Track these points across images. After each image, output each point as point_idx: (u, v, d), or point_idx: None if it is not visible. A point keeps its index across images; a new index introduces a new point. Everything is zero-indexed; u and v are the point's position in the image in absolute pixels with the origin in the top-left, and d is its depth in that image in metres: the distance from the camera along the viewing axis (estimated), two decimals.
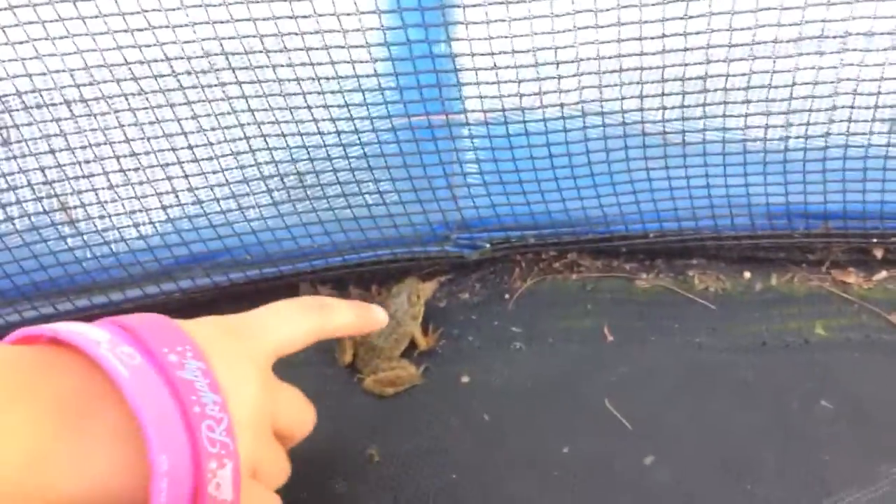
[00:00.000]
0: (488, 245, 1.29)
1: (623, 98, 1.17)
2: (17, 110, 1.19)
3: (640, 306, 1.27)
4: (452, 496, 1.11)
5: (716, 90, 1.22)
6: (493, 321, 1.29)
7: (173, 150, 1.24)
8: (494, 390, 1.21)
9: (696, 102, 1.23)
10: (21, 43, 1.10)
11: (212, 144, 1.23)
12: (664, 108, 1.18)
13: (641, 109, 1.18)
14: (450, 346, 1.27)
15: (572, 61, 1.15)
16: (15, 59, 1.12)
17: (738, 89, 1.21)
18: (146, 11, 1.10)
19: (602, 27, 1.12)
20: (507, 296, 1.32)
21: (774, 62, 1.17)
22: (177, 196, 1.27)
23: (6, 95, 1.18)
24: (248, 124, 1.24)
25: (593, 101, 1.21)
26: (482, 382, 1.22)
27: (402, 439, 1.17)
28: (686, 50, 1.14)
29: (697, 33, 1.16)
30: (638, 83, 1.18)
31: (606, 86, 1.17)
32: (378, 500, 1.12)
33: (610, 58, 1.17)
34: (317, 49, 1.19)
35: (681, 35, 1.13)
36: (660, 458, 1.10)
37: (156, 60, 1.18)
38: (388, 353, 1.24)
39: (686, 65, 1.16)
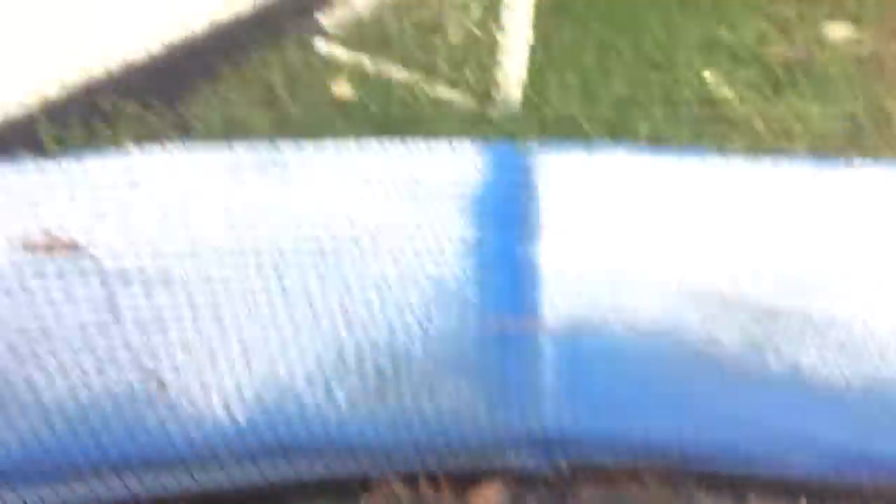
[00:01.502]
0: (564, 464, 1.32)
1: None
2: (124, 283, 1.26)
3: None
4: None
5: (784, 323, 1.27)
6: None
7: (264, 337, 1.31)
8: None
9: (766, 332, 1.28)
10: None
11: (292, 335, 1.29)
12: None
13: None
14: None
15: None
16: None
17: None
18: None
19: None
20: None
21: None
22: (274, 374, 1.33)
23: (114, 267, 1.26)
24: (336, 313, 1.31)
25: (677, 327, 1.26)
26: None
27: None
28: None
29: None
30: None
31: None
32: None
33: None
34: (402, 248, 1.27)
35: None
36: None
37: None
38: None
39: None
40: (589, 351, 1.27)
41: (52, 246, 1.28)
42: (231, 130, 1.48)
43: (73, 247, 1.29)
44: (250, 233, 1.27)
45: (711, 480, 1.35)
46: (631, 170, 1.11)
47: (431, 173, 1.14)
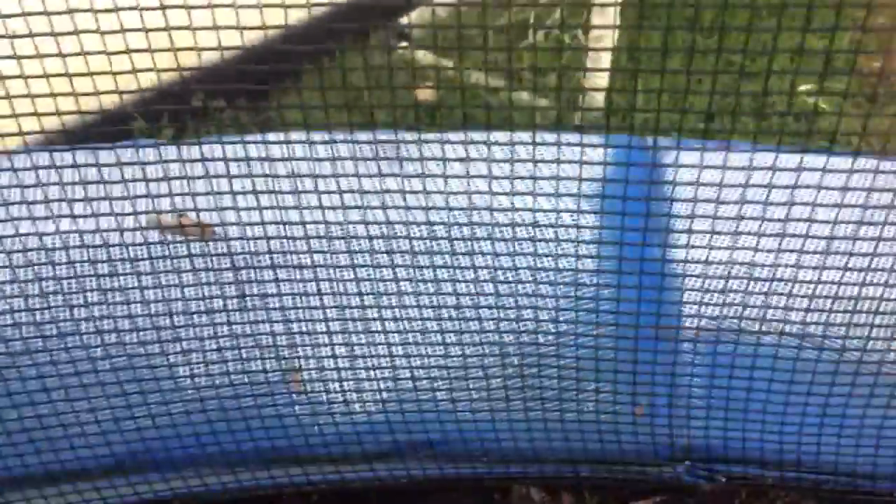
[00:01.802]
0: (724, 480, 1.27)
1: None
2: (258, 269, 1.22)
3: None
4: None
5: None
6: None
7: (407, 332, 1.27)
8: None
9: None
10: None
11: (426, 334, 1.25)
12: None
13: None
14: None
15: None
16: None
17: None
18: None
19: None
20: None
21: None
22: (410, 373, 1.29)
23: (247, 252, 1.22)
24: (474, 319, 1.27)
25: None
26: None
27: None
28: None
29: None
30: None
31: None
32: None
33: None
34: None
35: None
36: None
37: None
38: None
39: None
40: (736, 359, 1.21)
41: (182, 228, 1.24)
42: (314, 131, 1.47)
43: (202, 229, 1.25)
44: (381, 220, 1.21)
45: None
46: (761, 166, 1.02)
47: (563, 166, 1.06)
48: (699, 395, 1.27)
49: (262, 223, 1.15)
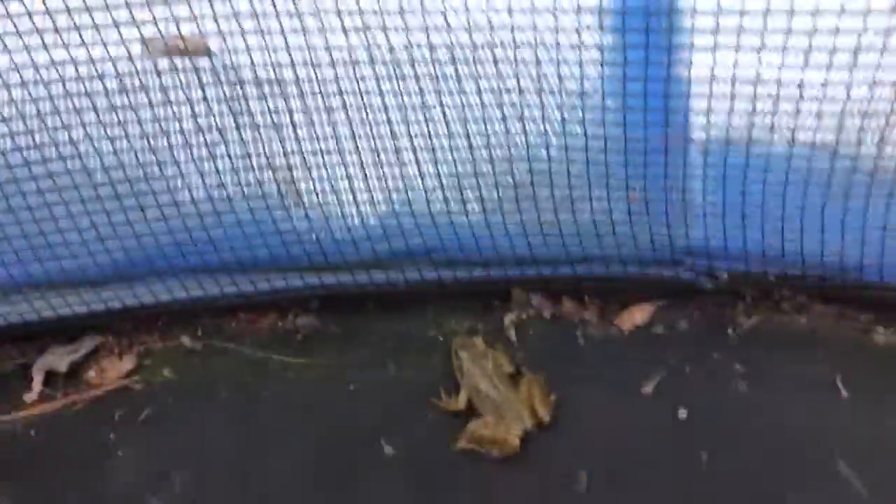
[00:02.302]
0: (726, 276, 1.24)
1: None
2: (256, 84, 1.19)
3: (877, 361, 1.21)
4: None
5: None
6: (713, 354, 1.25)
7: (398, 145, 1.23)
8: (714, 430, 1.17)
9: None
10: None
11: (431, 144, 1.22)
12: None
13: None
14: (667, 377, 1.24)
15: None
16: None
17: None
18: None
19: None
20: (729, 329, 1.27)
21: None
22: (404, 183, 1.27)
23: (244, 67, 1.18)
24: (474, 134, 1.23)
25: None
26: (701, 420, 1.18)
27: (617, 470, 1.16)
28: None
29: None
30: None
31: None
32: None
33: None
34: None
35: None
36: None
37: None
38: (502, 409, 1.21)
39: None
40: (742, 164, 1.15)
41: (186, 48, 1.20)
42: None
43: (205, 50, 1.22)
44: (383, 40, 1.16)
45: (887, 308, 1.25)
46: None
47: None
48: (699, 194, 1.22)
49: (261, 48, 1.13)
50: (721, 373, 1.23)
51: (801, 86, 1.07)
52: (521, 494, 1.15)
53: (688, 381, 1.23)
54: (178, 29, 1.10)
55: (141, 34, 1.11)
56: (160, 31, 1.12)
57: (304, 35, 1.13)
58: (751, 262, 1.21)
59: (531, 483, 1.16)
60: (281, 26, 1.11)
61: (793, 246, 1.16)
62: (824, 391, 1.18)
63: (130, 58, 1.14)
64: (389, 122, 1.22)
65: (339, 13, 1.10)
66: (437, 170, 1.27)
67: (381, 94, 1.20)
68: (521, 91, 1.19)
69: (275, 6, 1.10)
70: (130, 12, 1.06)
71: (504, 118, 1.22)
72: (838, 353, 1.22)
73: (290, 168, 1.27)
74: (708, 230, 1.21)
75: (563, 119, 1.22)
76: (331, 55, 1.16)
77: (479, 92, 1.19)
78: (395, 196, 1.29)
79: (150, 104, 1.18)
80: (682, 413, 1.19)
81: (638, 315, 1.30)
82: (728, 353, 1.25)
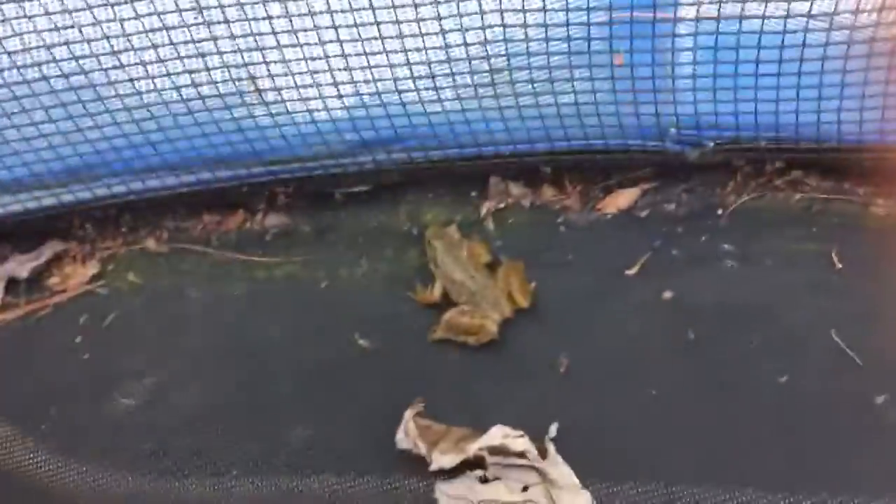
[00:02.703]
0: (712, 144, 1.17)
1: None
2: None
3: (874, 234, 1.14)
4: (648, 413, 1.04)
5: None
6: (701, 236, 1.18)
7: (361, 34, 1.16)
8: (701, 309, 1.11)
9: None
10: None
11: (410, 22, 1.15)
12: None
13: None
14: (653, 260, 1.17)
15: None
16: None
17: None
18: None
19: None
20: (718, 210, 1.20)
21: None
22: (372, 73, 1.20)
23: None
24: (447, 16, 1.16)
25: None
26: (688, 300, 1.12)
27: (599, 352, 1.10)
28: None
29: None
30: None
31: None
32: (569, 412, 1.05)
33: None
34: None
35: None
36: (894, 397, 0.99)
37: None
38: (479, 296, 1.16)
39: None
40: (731, 37, 1.08)
41: None
42: None
43: None
44: None
45: (886, 178, 1.18)
46: None
47: None
48: (689, 65, 1.15)
49: None
50: (709, 253, 1.16)
51: None
52: (500, 381, 1.10)
53: (674, 262, 1.16)
54: None
55: None
56: None
57: None
58: (741, 130, 1.13)
59: (510, 369, 1.11)
60: None
61: (788, 115, 1.09)
62: (818, 266, 1.11)
63: None
64: (353, 8, 1.16)
65: None
66: (407, 57, 1.20)
67: None
68: None
69: None
70: None
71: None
72: (834, 227, 1.15)
73: (246, 63, 1.21)
74: (696, 98, 1.14)
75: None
76: None
77: None
78: (363, 86, 1.22)
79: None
80: (668, 294, 1.13)
81: (622, 199, 1.23)
82: (717, 233, 1.18)
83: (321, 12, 1.14)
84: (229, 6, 1.14)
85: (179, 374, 1.19)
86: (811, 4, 1.04)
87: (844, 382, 1.01)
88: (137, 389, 1.18)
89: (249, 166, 1.28)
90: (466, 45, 1.16)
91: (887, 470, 0.95)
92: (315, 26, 1.14)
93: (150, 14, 1.13)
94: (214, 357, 1.20)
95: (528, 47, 1.16)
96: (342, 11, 1.15)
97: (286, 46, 1.17)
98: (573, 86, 1.19)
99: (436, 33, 1.16)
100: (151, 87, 1.20)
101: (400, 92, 1.21)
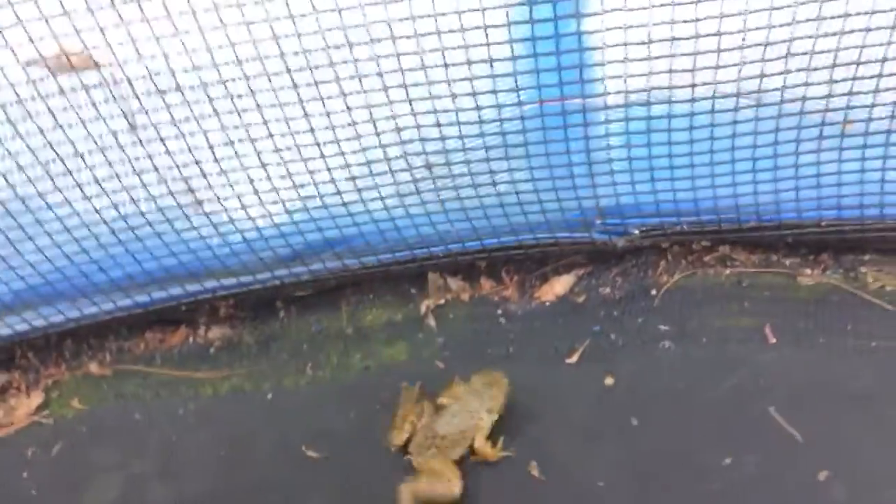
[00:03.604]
0: (637, 231, 1.19)
1: (786, 81, 1.06)
2: (147, 94, 1.15)
3: (804, 305, 1.15)
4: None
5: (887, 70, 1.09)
6: (637, 318, 1.20)
7: (303, 131, 1.18)
8: (643, 393, 1.12)
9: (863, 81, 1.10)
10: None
11: (341, 127, 1.17)
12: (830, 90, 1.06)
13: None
14: (592, 345, 1.18)
15: (732, 35, 1.05)
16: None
17: None
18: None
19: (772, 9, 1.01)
20: (652, 291, 1.22)
21: None
22: (311, 177, 1.21)
23: (136, 79, 1.15)
24: (380, 118, 1.18)
25: (751, 78, 1.09)
26: (629, 384, 1.13)
27: (546, 441, 1.10)
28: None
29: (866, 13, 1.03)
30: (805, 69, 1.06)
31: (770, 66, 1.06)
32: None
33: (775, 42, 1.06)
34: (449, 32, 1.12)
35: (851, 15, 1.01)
36: (836, 473, 0.99)
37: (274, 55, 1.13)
38: (448, 446, 1.11)
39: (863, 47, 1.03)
40: (657, 120, 1.11)
41: (72, 64, 1.15)
42: None
43: (92, 64, 1.17)
44: (271, 39, 1.12)
45: (811, 249, 1.20)
46: None
47: None
48: (618, 157, 1.17)
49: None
50: (646, 335, 1.17)
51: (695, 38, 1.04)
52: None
53: (613, 347, 1.17)
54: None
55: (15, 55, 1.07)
56: (39, 52, 1.08)
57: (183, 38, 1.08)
58: (663, 215, 1.16)
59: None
60: (153, 33, 1.07)
61: (706, 193, 1.12)
62: (753, 342, 1.13)
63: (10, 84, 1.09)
64: (287, 119, 1.18)
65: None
66: (341, 161, 1.22)
67: (274, 90, 1.15)
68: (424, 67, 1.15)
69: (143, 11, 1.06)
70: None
71: (409, 97, 1.17)
72: (765, 301, 1.17)
73: (185, 177, 1.22)
74: (616, 189, 1.17)
75: (472, 91, 1.18)
76: (213, 56, 1.12)
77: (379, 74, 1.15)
78: (300, 191, 1.24)
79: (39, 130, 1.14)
80: (609, 380, 1.13)
81: (558, 286, 1.25)
82: (652, 314, 1.19)
83: (256, 121, 1.16)
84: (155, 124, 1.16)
85: (130, 502, 1.17)
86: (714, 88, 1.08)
87: (787, 460, 1.01)
88: None
89: (190, 281, 1.28)
90: (402, 143, 1.19)
91: None
92: (249, 136, 1.16)
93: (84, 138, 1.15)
94: (164, 480, 1.19)
95: (444, 146, 1.19)
96: (276, 120, 1.18)
97: (224, 157, 1.19)
98: (493, 180, 1.21)
99: (355, 137, 1.19)
100: (89, 207, 1.21)
101: (324, 200, 1.23)
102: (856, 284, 1.16)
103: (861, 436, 1.02)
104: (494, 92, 1.15)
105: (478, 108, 1.14)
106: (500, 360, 1.20)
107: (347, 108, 1.16)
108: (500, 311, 1.26)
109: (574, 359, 1.17)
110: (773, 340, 1.13)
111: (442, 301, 1.28)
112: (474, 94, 1.15)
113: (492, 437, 1.11)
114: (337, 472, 1.13)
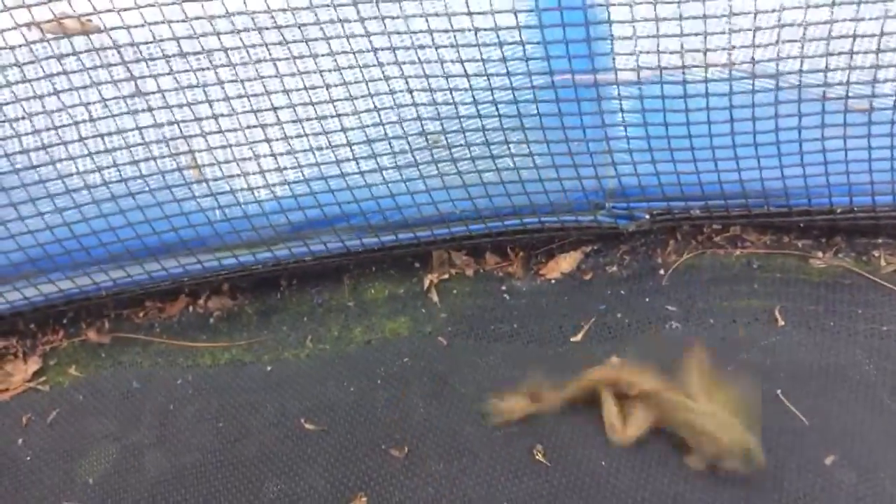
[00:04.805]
0: (647, 216, 1.17)
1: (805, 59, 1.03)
2: (154, 59, 1.13)
3: (815, 288, 1.13)
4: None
5: None
6: (644, 297, 1.18)
7: (304, 118, 1.16)
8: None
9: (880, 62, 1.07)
10: None
11: (352, 99, 1.15)
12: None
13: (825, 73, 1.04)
14: (598, 324, 1.16)
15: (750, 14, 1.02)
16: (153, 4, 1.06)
17: None
18: None
19: None
20: (660, 270, 1.20)
21: None
22: (314, 153, 1.20)
23: (142, 43, 1.13)
24: (393, 78, 1.15)
25: (770, 60, 1.07)
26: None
27: (553, 427, 1.07)
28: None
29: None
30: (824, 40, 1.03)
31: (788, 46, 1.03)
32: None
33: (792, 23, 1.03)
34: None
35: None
36: (843, 457, 0.98)
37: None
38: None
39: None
40: (672, 99, 1.09)
41: (71, 28, 1.13)
42: None
43: (93, 29, 1.15)
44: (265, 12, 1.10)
45: (823, 231, 1.18)
46: None
47: None
48: (630, 136, 1.15)
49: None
50: (653, 315, 1.15)
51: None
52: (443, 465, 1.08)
53: (619, 326, 1.15)
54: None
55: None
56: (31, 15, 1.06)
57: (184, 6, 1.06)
58: (671, 199, 1.13)
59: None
60: None
61: (711, 177, 1.09)
62: (762, 324, 1.11)
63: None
64: (289, 91, 1.15)
65: None
66: (343, 134, 1.20)
67: (275, 63, 1.13)
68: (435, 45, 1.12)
69: None
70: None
71: (416, 69, 1.15)
72: (775, 282, 1.14)
73: (190, 148, 1.20)
74: (635, 171, 1.14)
75: (482, 65, 1.15)
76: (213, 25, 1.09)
77: (389, 49, 1.13)
78: (304, 166, 1.21)
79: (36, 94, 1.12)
80: (615, 360, 1.12)
81: (564, 263, 1.22)
82: (660, 294, 1.17)
83: (261, 94, 1.14)
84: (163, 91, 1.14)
85: (123, 471, 1.15)
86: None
87: (794, 444, 1.00)
88: (82, 491, 1.14)
89: (195, 253, 1.26)
90: (401, 121, 1.17)
91: None
92: (253, 108, 1.14)
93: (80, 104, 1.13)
94: (161, 449, 1.17)
95: (443, 126, 1.17)
96: (280, 93, 1.15)
97: (229, 129, 1.17)
98: (495, 162, 1.18)
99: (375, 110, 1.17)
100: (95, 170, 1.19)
101: (341, 167, 1.21)
102: (868, 268, 1.14)
103: (869, 420, 1.00)
104: (506, 72, 1.13)
105: (471, 88, 1.12)
106: (501, 338, 1.18)
107: (345, 82, 1.14)
108: (504, 288, 1.24)
109: (579, 337, 1.15)
110: (782, 323, 1.10)
111: (446, 276, 1.26)
112: (467, 75, 1.13)
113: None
114: (335, 444, 1.12)
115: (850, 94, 1.03)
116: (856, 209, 1.10)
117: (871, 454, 0.97)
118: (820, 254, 1.16)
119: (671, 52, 1.06)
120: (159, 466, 1.14)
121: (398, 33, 1.11)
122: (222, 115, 1.16)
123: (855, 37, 0.99)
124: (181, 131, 1.17)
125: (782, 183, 1.08)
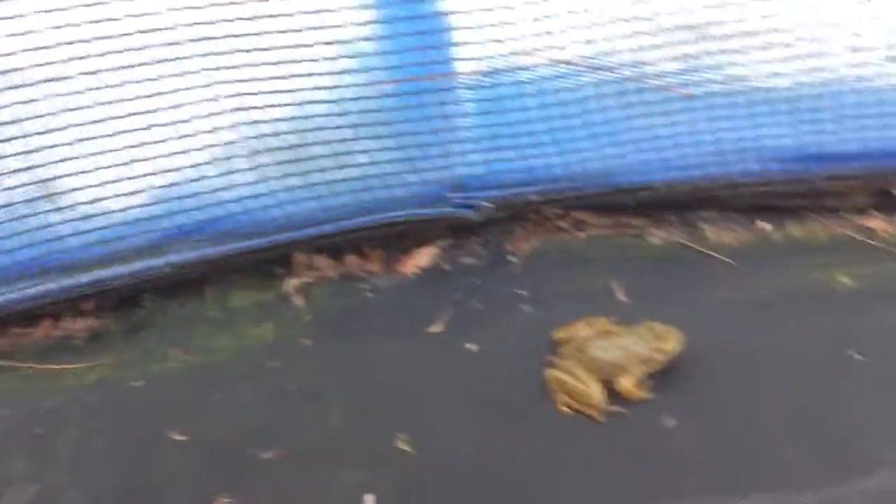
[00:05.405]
0: (486, 204, 1.22)
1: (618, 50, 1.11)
2: None
3: (654, 263, 1.21)
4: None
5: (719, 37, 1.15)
6: (498, 284, 1.23)
7: (154, 126, 1.17)
8: (499, 358, 1.15)
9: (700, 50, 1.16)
10: None
11: (189, 118, 1.17)
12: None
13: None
14: (455, 314, 1.21)
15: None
16: None
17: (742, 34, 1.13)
18: None
19: None
20: (512, 258, 1.26)
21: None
22: (163, 168, 1.21)
23: None
24: (235, 96, 1.18)
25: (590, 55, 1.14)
26: (490, 350, 1.16)
27: (416, 413, 1.12)
28: None
29: None
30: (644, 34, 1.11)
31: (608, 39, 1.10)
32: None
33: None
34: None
35: None
36: (681, 422, 1.05)
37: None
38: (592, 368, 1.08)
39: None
40: (509, 91, 1.14)
41: None
42: None
43: None
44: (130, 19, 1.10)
45: (656, 209, 1.25)
46: None
47: None
48: (467, 130, 1.20)
49: None
50: (506, 301, 1.21)
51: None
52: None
53: (475, 314, 1.21)
54: None
55: None
56: None
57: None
58: (509, 186, 1.19)
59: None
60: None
61: (541, 163, 1.16)
62: (604, 301, 1.18)
63: None
64: (139, 102, 1.16)
65: None
66: (199, 146, 1.21)
67: (118, 74, 1.13)
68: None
69: None
70: None
71: (269, 81, 1.17)
72: (616, 262, 1.22)
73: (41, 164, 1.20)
74: (471, 161, 1.20)
75: (330, 73, 1.18)
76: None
77: (239, 57, 1.15)
78: (154, 174, 1.22)
79: None
80: (472, 346, 1.17)
81: (421, 258, 1.27)
82: (512, 280, 1.23)
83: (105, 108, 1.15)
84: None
85: None
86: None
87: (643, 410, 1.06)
88: None
89: (52, 274, 1.25)
90: (256, 124, 1.19)
91: None
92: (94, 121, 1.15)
93: None
94: (31, 478, 1.16)
95: (318, 124, 1.20)
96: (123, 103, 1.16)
97: (76, 142, 1.17)
98: (339, 161, 1.22)
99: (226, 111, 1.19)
100: None
101: (193, 179, 1.22)
102: (699, 241, 1.22)
103: (717, 388, 1.07)
104: (344, 69, 1.16)
105: (316, 88, 1.15)
106: (364, 334, 1.21)
107: (199, 86, 1.16)
108: (365, 287, 1.27)
109: (437, 328, 1.20)
110: (624, 299, 1.18)
111: (309, 279, 1.29)
112: (310, 74, 1.16)
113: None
114: (203, 453, 1.13)
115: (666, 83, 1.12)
116: (674, 184, 1.18)
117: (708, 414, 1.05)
118: (655, 231, 1.24)
119: (508, 46, 1.12)
120: (26, 493, 1.14)
121: (236, 36, 1.13)
122: (70, 125, 1.16)
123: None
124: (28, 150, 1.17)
125: (604, 164, 1.15)
